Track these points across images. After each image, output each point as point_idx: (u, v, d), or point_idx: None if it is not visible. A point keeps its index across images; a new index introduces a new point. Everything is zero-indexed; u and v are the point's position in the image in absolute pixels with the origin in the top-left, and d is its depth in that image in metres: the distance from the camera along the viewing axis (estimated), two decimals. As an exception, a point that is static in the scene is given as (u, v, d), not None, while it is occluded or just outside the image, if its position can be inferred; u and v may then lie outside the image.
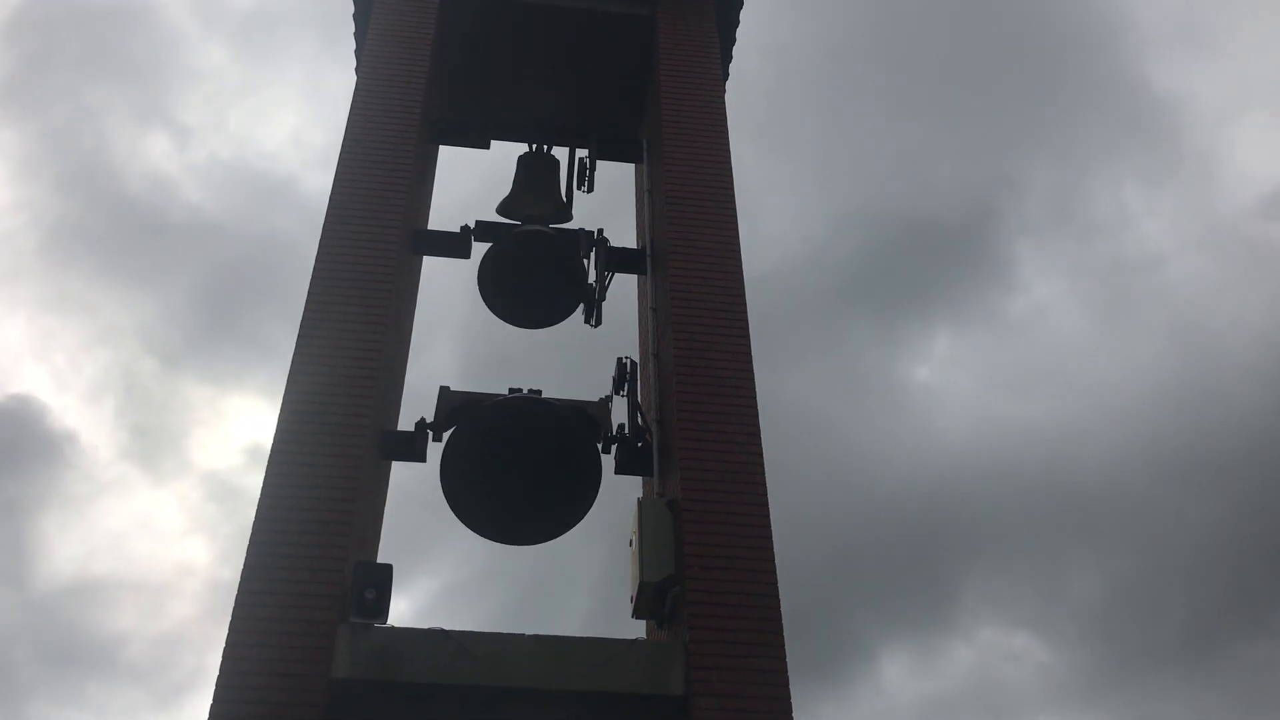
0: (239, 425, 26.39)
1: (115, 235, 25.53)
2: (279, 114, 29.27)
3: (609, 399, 7.49)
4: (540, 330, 9.07)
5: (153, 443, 24.93)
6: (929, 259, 26.80)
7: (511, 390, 7.54)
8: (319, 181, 28.02)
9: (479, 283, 8.69)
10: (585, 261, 8.56)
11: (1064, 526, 22.79)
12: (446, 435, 7.13)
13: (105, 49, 27.09)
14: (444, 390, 7.36)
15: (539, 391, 7.50)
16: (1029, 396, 25.61)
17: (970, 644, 22.85)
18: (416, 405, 7.66)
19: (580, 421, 7.13)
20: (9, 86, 26.86)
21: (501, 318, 8.94)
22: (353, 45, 9.36)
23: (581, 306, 8.61)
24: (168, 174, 26.51)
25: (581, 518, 7.28)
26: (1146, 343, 25.84)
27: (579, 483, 7.20)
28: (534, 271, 8.64)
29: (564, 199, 9.32)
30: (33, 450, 23.38)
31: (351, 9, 9.37)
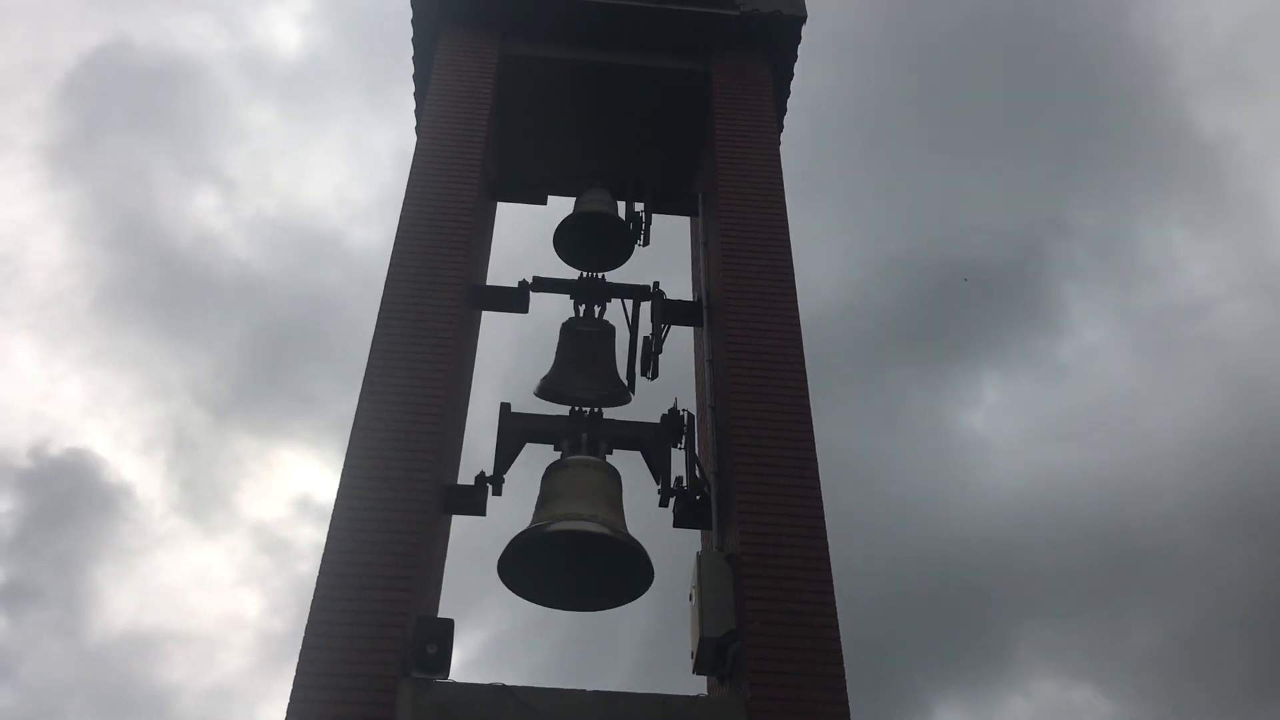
0: (287, 477, 26.84)
1: (165, 292, 26.24)
2: (323, 171, 29.98)
3: (668, 421, 7.57)
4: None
5: (203, 495, 25.38)
6: (974, 304, 26.60)
7: (573, 412, 7.74)
8: (363, 237, 28.58)
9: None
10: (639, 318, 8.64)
11: (1119, 576, 22.30)
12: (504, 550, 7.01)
13: (155, 110, 27.97)
14: (505, 409, 7.48)
15: (600, 413, 7.77)
16: (1079, 443, 25.22)
17: (1027, 697, 22.36)
18: (475, 459, 7.75)
19: (637, 549, 7.02)
20: (63, 149, 27.74)
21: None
22: (396, 102, 9.69)
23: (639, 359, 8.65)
24: (216, 231, 27.23)
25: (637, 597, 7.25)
26: (1198, 388, 25.38)
27: (635, 580, 7.11)
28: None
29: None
30: (90, 504, 23.88)
31: (411, 70, 9.60)
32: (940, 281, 26.08)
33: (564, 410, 7.80)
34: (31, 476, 23.64)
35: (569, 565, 7.01)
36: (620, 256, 9.36)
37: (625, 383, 8.36)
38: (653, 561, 6.89)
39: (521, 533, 6.85)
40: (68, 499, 23.77)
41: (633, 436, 7.65)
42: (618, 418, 7.85)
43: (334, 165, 29.89)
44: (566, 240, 9.28)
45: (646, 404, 8.21)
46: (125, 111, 28.18)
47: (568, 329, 8.60)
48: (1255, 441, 22.71)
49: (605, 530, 6.81)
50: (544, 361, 8.43)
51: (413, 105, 9.73)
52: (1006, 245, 26.92)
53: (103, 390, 26.59)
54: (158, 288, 26.42)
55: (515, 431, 7.56)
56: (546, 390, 8.11)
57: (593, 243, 9.26)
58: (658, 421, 7.67)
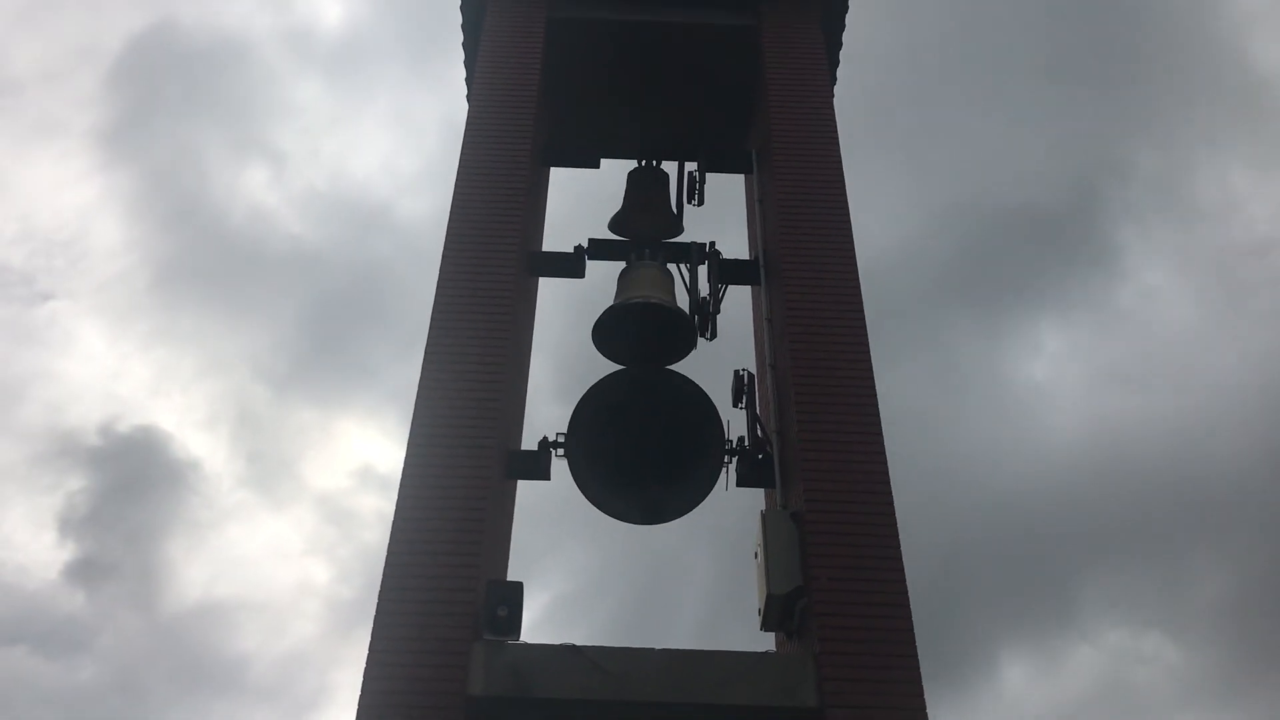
0: (348, 447, 27.26)
1: (221, 269, 26.66)
2: (370, 143, 30.17)
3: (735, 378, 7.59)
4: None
5: (269, 468, 25.88)
6: (1030, 249, 26.08)
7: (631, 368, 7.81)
8: (412, 207, 28.79)
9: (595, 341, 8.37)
10: (698, 278, 8.57)
11: (1187, 523, 21.93)
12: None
13: (204, 89, 28.31)
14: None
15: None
16: (1142, 389, 24.75)
17: (1095, 646, 22.12)
18: (537, 424, 7.83)
19: (699, 394, 7.11)
20: (117, 131, 28.19)
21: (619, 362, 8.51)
22: (439, 72, 9.68)
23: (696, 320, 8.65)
24: (267, 207, 27.57)
25: (709, 490, 7.31)
26: (1261, 330, 24.75)
27: (703, 454, 7.20)
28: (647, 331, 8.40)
29: (674, 212, 9.39)
30: (159, 479, 24.46)
31: (457, 38, 9.60)
32: (995, 229, 25.66)
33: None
34: (102, 454, 24.29)
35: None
36: (680, 348, 8.34)
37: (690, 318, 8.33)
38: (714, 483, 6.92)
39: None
40: (138, 475, 24.41)
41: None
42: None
43: (380, 137, 30.16)
44: (609, 334, 8.28)
45: (706, 364, 8.22)
46: (174, 92, 28.63)
47: (626, 271, 8.62)
48: None
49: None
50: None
51: (457, 74, 9.75)
52: (1062, 189, 26.36)
53: (165, 368, 27.19)
54: (213, 265, 26.92)
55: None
56: (605, 330, 8.19)
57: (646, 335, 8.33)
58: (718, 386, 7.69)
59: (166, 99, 28.46)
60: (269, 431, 26.15)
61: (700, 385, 7.72)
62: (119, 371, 27.17)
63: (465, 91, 9.32)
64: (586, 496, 7.29)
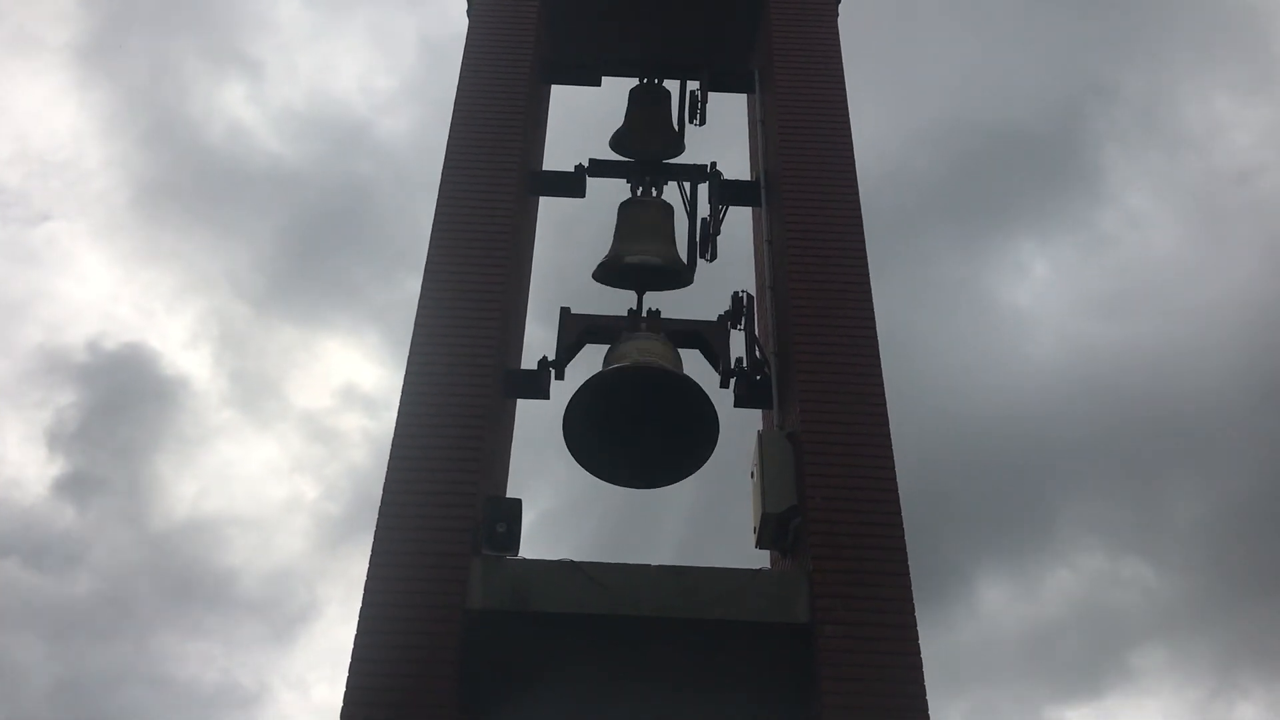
0: (331, 366, 27.43)
1: (200, 187, 26.53)
2: (347, 60, 29.83)
3: (727, 318, 7.55)
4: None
5: (252, 387, 26.02)
6: (1014, 170, 25.81)
7: (631, 311, 7.70)
8: (391, 126, 28.57)
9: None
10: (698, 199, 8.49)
11: (1165, 448, 22.03)
12: (568, 399, 7.16)
13: (182, 4, 27.86)
14: (564, 312, 7.54)
15: (658, 312, 7.75)
16: (1123, 313, 24.73)
17: (1072, 569, 22.40)
18: (536, 344, 7.85)
19: (698, 389, 7.10)
20: (92, 48, 27.86)
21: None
22: None
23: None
24: (246, 125, 27.37)
25: (702, 465, 7.36)
26: (1244, 257, 24.64)
27: (699, 439, 7.23)
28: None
29: (676, 131, 9.30)
30: (147, 395, 24.64)
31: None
32: (978, 148, 25.31)
33: (621, 311, 7.80)
34: (89, 370, 24.44)
35: (633, 417, 7.15)
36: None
37: (684, 261, 8.33)
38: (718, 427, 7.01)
39: (584, 382, 7.00)
40: (126, 391, 24.58)
41: (692, 332, 7.65)
42: (676, 316, 7.83)
43: (358, 55, 29.79)
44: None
45: (705, 286, 8.21)
46: (151, 7, 28.18)
47: (625, 206, 8.56)
48: None
49: (668, 365, 6.95)
50: (602, 246, 8.44)
51: None
52: (1046, 110, 26.01)
53: (148, 286, 27.27)
54: (193, 183, 26.78)
55: (574, 332, 7.57)
56: (606, 271, 8.11)
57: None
58: (714, 319, 7.63)
59: (143, 13, 28.11)
60: (252, 350, 26.32)
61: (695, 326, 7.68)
62: (100, 290, 27.28)
63: (443, 10, 9.19)
64: (583, 466, 7.27)
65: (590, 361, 7.61)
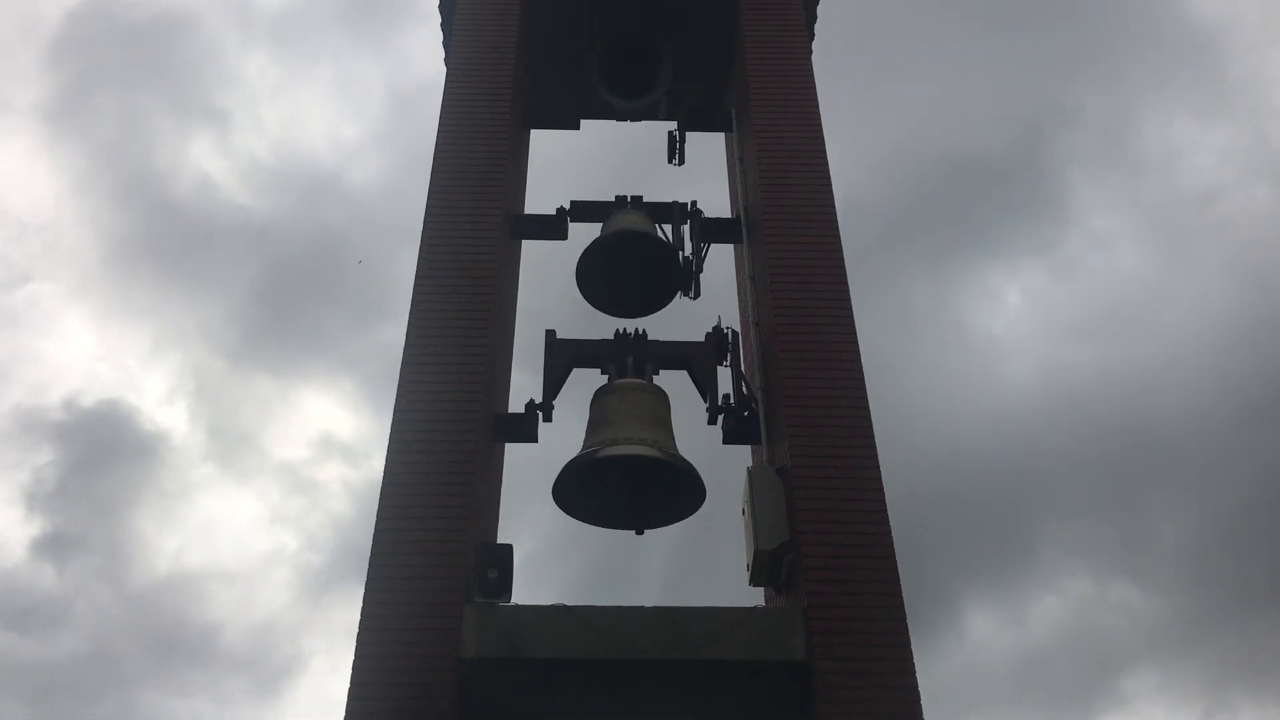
0: (307, 416, 27.42)
1: (172, 242, 26.64)
2: (314, 112, 30.06)
3: (713, 337, 7.62)
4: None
5: (230, 439, 25.99)
6: (979, 196, 26.14)
7: (618, 333, 7.81)
8: (360, 174, 28.76)
9: (578, 279, 8.47)
10: (681, 237, 8.53)
11: (1144, 470, 22.15)
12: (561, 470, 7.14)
13: (147, 61, 28.08)
14: (550, 336, 7.56)
15: (644, 333, 7.82)
16: (1093, 336, 24.96)
17: (1059, 594, 22.41)
18: (523, 387, 7.85)
19: (688, 468, 7.12)
20: (60, 106, 27.98)
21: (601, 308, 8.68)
22: (379, 40, 9.56)
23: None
24: (215, 178, 27.52)
25: (688, 517, 7.36)
26: (1211, 278, 24.96)
27: (685, 501, 7.22)
28: (631, 269, 8.46)
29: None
30: (126, 452, 24.58)
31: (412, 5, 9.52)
32: (942, 176, 25.57)
33: (609, 334, 7.86)
34: (67, 428, 24.39)
35: (622, 488, 7.13)
36: (664, 292, 8.46)
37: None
38: (703, 479, 7.02)
39: (574, 458, 6.97)
40: (104, 448, 24.53)
41: (679, 356, 7.71)
42: (662, 338, 7.90)
43: (325, 105, 30.07)
44: (591, 274, 8.37)
45: (690, 324, 8.23)
46: (116, 65, 28.38)
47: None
48: (1272, 329, 22.39)
49: (656, 452, 6.91)
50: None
51: (401, 41, 9.78)
52: (1008, 134, 26.35)
53: (122, 343, 27.30)
54: (164, 238, 26.90)
55: (561, 357, 7.64)
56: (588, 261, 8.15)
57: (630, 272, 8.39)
58: (702, 340, 7.71)
59: (108, 72, 28.29)
60: (228, 403, 26.30)
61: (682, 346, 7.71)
62: (80, 348, 27.26)
63: (409, 59, 9.25)
64: (576, 517, 7.28)
65: (580, 391, 7.60)
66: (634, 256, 8.37)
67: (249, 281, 26.50)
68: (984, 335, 25.34)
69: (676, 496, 7.13)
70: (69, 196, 28.41)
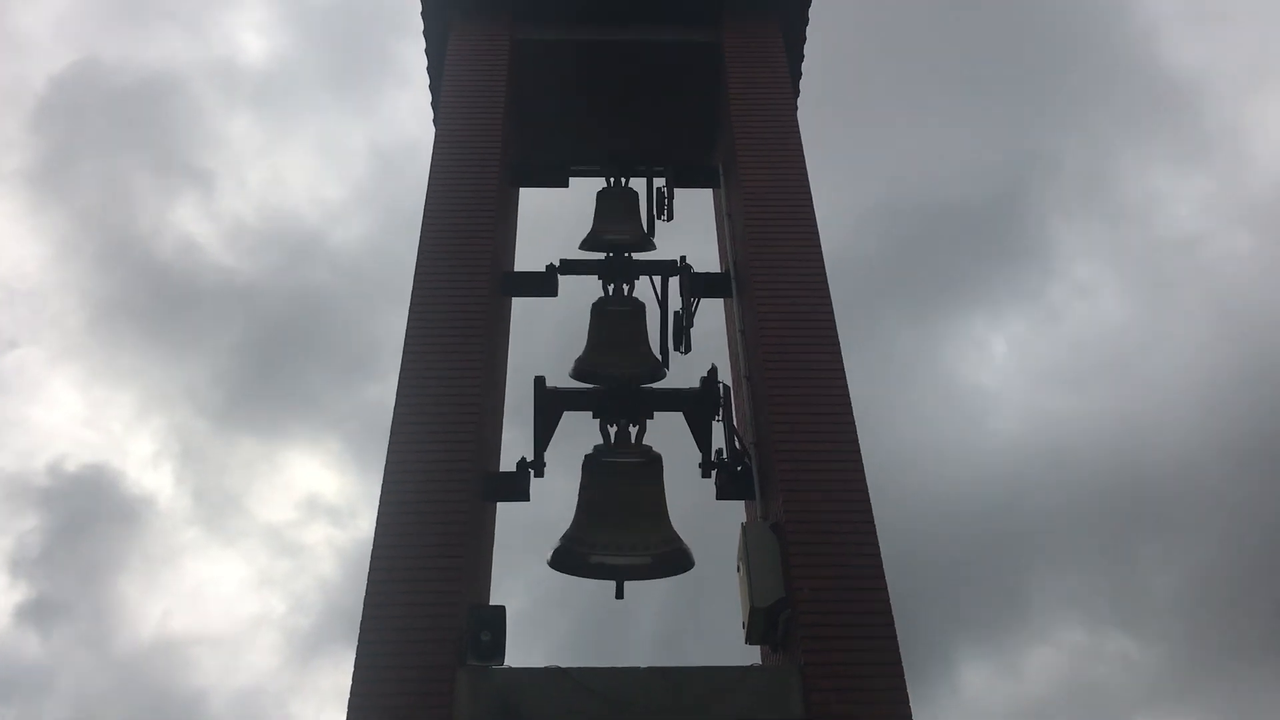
0: (293, 478, 27.31)
1: (156, 304, 26.69)
2: (296, 172, 30.33)
3: (708, 380, 7.68)
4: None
5: (216, 502, 25.88)
6: (962, 246, 26.35)
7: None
8: (342, 234, 28.99)
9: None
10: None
11: (1135, 519, 22.11)
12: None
13: (131, 125, 28.29)
14: (539, 383, 7.57)
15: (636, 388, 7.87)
16: (1079, 384, 25.06)
17: (1052, 645, 22.24)
18: (514, 446, 7.82)
19: (678, 561, 7.19)
20: (44, 171, 28.14)
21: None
22: (359, 101, 9.64)
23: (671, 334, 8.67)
24: (199, 241, 27.66)
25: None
26: (1195, 324, 25.15)
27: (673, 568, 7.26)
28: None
29: (644, 229, 9.41)
30: (110, 516, 24.44)
31: (425, 63, 9.63)
32: (924, 224, 25.78)
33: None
34: (51, 494, 24.24)
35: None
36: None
37: (659, 358, 8.40)
38: (692, 551, 7.13)
39: (566, 548, 7.05)
40: (89, 513, 24.39)
41: (673, 401, 7.74)
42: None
43: (307, 166, 30.34)
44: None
45: (681, 379, 8.24)
46: (101, 130, 28.57)
47: (598, 309, 8.63)
48: (1257, 376, 22.51)
49: (646, 560, 6.99)
50: (577, 343, 8.48)
51: (381, 102, 9.88)
52: (989, 184, 26.66)
53: (107, 407, 27.23)
54: (148, 301, 26.93)
55: (552, 404, 7.63)
56: (581, 371, 8.15)
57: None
58: (697, 385, 7.72)
59: (93, 137, 28.48)
60: (214, 465, 26.21)
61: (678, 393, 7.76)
62: (60, 412, 27.19)
63: (390, 119, 9.34)
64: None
65: (569, 449, 7.59)
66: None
67: (233, 343, 26.58)
68: (970, 385, 25.42)
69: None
70: (53, 261, 28.51)
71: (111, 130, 28.38)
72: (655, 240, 9.34)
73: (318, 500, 26.55)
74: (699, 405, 7.70)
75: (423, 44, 9.50)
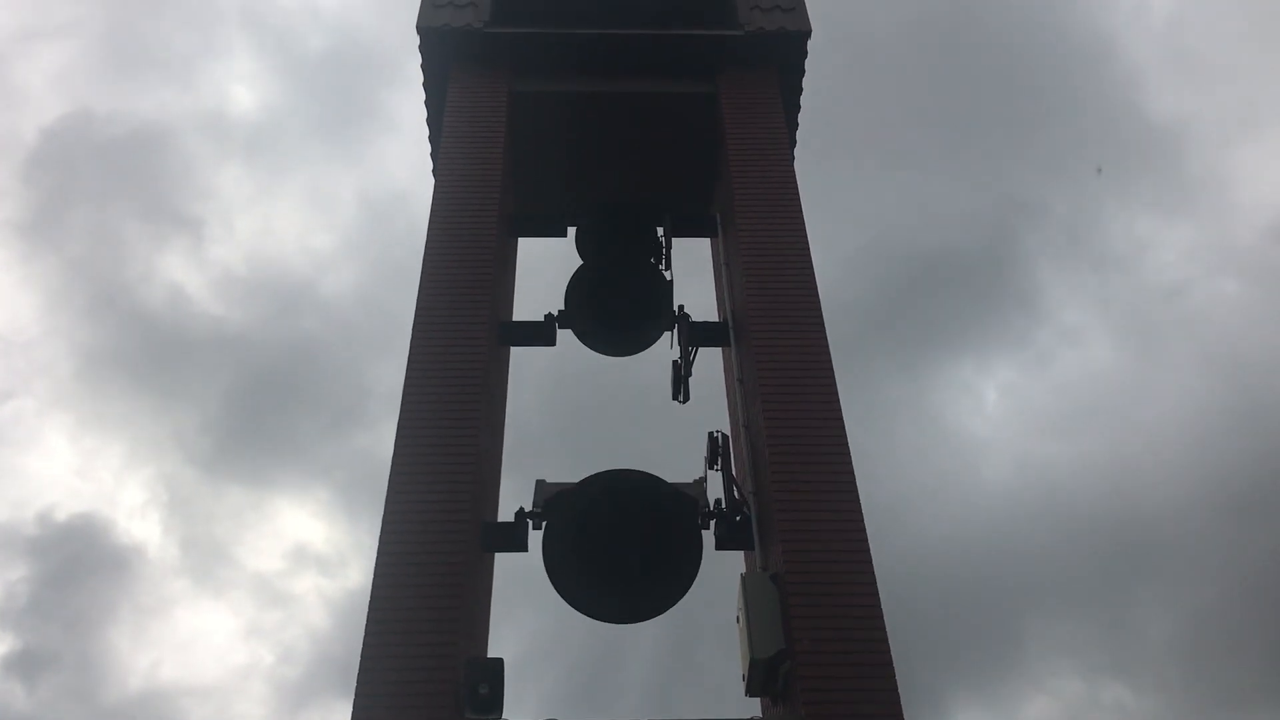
0: (282, 526, 27.23)
1: (145, 354, 26.74)
2: (285, 222, 30.59)
3: (704, 479, 7.53)
4: (628, 359, 9.24)
5: (204, 552, 25.80)
6: (948, 291, 26.44)
7: (605, 472, 7.65)
8: (332, 283, 29.17)
9: (565, 306, 8.89)
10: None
11: (1127, 566, 22.04)
12: (546, 523, 7.25)
13: (121, 177, 28.52)
14: (540, 484, 7.49)
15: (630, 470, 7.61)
16: (1069, 431, 25.09)
17: (1049, 694, 22.04)
18: (513, 495, 7.79)
19: (674, 494, 7.15)
20: (33, 224, 28.31)
21: (588, 344, 8.95)
22: (348, 151, 9.71)
23: (670, 380, 8.67)
24: (188, 290, 27.83)
25: (687, 589, 7.30)
26: (1183, 372, 25.25)
27: (681, 556, 7.22)
28: (620, 296, 8.80)
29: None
30: (100, 566, 24.32)
31: (416, 113, 9.71)
32: (912, 271, 25.88)
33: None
34: (41, 543, 24.12)
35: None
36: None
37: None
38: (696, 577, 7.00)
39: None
40: (78, 563, 24.26)
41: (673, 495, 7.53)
42: (653, 465, 7.78)
43: (296, 216, 30.61)
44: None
45: (680, 429, 8.22)
46: (91, 180, 28.79)
47: None
48: (1246, 422, 22.56)
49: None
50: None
51: (368, 151, 9.94)
52: (977, 230, 26.84)
53: (97, 456, 27.20)
54: (137, 350, 26.99)
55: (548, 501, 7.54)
56: None
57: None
58: (689, 482, 7.55)
59: (82, 189, 28.70)
60: (202, 515, 26.15)
61: (673, 486, 7.58)
62: (49, 462, 27.14)
63: (380, 169, 9.41)
64: (566, 600, 7.25)
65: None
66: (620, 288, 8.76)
67: (222, 392, 26.57)
68: (960, 431, 25.41)
69: (671, 553, 7.15)
70: (44, 311, 28.61)
71: (102, 181, 28.64)
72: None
73: (305, 550, 26.43)
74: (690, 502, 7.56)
75: (419, 94, 9.59)
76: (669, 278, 8.86)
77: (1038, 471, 24.12)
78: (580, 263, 9.46)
